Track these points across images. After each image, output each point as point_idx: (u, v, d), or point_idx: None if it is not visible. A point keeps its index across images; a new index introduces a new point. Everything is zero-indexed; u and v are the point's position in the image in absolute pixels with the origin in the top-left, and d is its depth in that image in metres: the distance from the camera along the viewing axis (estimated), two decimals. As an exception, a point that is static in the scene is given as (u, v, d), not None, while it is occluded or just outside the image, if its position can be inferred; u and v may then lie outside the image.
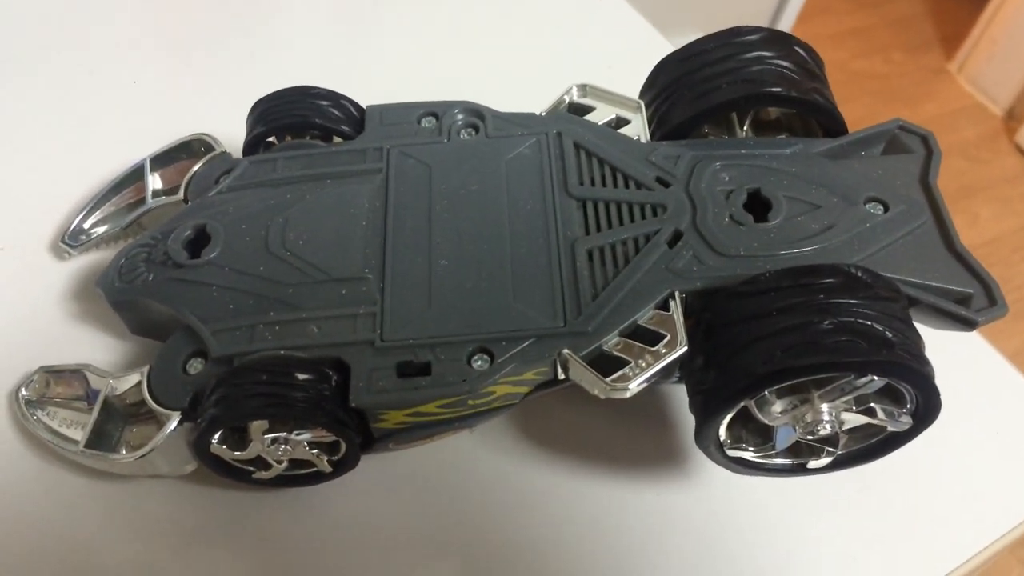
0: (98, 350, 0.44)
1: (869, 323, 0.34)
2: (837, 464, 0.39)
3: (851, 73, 1.68)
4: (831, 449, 0.38)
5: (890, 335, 0.34)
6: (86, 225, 0.46)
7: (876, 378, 0.34)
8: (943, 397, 0.35)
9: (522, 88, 0.54)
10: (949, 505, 0.43)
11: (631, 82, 0.47)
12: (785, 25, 1.46)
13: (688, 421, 0.43)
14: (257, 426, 0.36)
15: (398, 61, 0.62)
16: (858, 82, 1.66)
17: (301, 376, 0.36)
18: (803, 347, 0.33)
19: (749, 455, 0.38)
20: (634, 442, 0.44)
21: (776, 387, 0.35)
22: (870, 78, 1.69)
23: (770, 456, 0.39)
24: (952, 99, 1.67)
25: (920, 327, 0.37)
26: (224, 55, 0.61)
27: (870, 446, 0.38)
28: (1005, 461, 0.45)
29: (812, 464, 0.39)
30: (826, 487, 0.42)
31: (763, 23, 1.47)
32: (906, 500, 0.43)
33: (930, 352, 0.36)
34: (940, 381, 0.35)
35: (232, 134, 0.47)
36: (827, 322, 0.34)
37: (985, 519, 0.43)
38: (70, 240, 0.46)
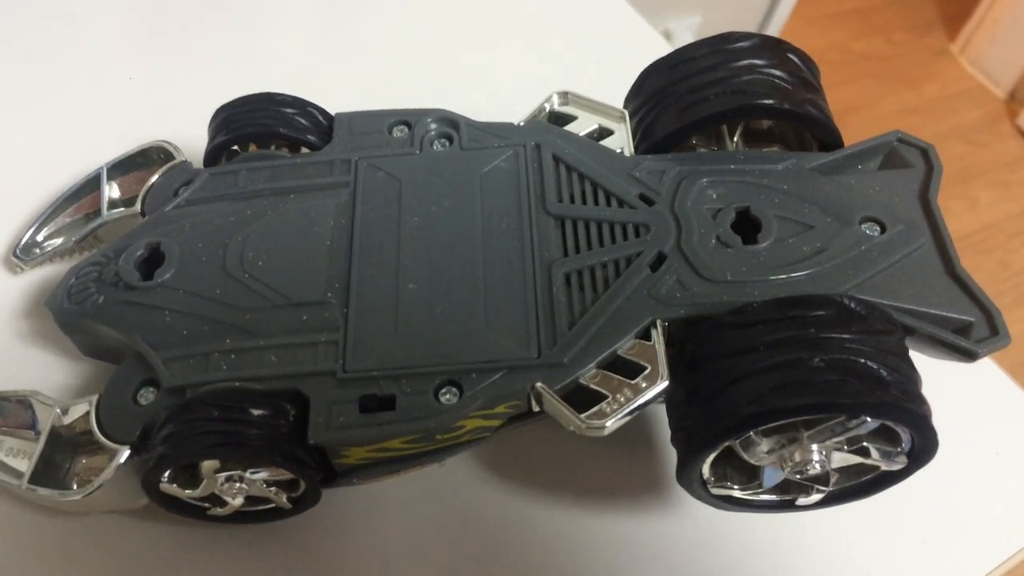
0: (50, 371, 0.42)
1: (863, 360, 0.32)
2: (827, 501, 0.37)
3: (852, 54, 1.65)
4: (821, 487, 0.36)
5: (884, 373, 0.31)
6: (39, 238, 0.44)
7: (869, 419, 0.32)
8: (936, 416, 0.33)
9: (505, 87, 0.52)
10: (946, 532, 0.42)
11: (620, 79, 0.44)
12: (785, 5, 1.43)
13: (672, 446, 0.41)
14: (209, 465, 0.34)
15: (371, 61, 0.59)
16: (858, 63, 1.63)
17: (256, 411, 0.34)
18: (792, 387, 0.31)
19: (735, 493, 0.36)
20: (614, 468, 0.42)
21: (763, 428, 0.33)
22: (871, 59, 1.66)
23: (757, 494, 0.37)
24: (954, 81, 1.64)
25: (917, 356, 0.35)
26: (188, 56, 0.58)
27: (862, 483, 0.36)
28: (1006, 484, 0.43)
29: (801, 501, 0.37)
30: (816, 516, 0.40)
31: (763, 4, 1.44)
32: (900, 528, 0.41)
33: (924, 366, 0.34)
34: (935, 399, 0.34)
35: (196, 140, 0.45)
36: (818, 359, 0.31)
37: (985, 546, 0.42)
38: (22, 254, 0.44)
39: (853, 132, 0.41)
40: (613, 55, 0.52)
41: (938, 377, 0.36)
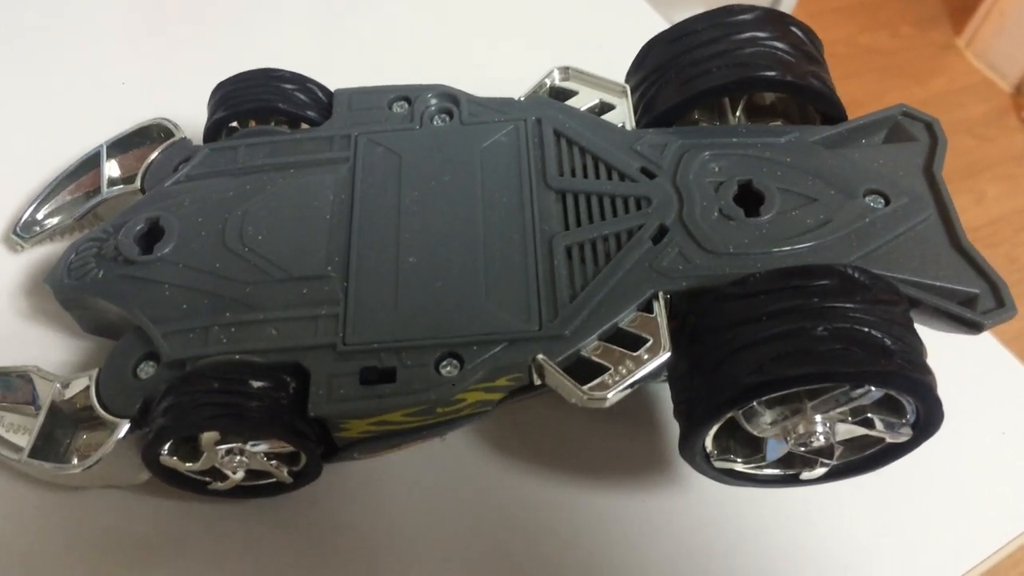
0: (51, 348, 0.42)
1: (866, 329, 0.31)
2: (832, 475, 0.37)
3: (857, 48, 1.64)
4: (825, 460, 0.36)
5: (888, 342, 0.31)
6: (39, 216, 0.44)
7: (873, 389, 0.32)
8: (943, 395, 0.33)
9: (510, 76, 0.51)
10: (951, 510, 0.41)
11: (622, 61, 0.44)
12: (791, -2, 1.42)
13: (675, 423, 0.41)
14: (208, 437, 0.34)
15: (371, 39, 0.59)
16: (864, 57, 1.63)
17: (256, 384, 0.33)
18: (794, 356, 0.31)
19: (738, 466, 0.36)
20: (617, 443, 0.42)
21: (765, 398, 0.32)
22: (877, 53, 1.65)
23: (760, 467, 0.36)
24: (960, 75, 1.63)
25: (922, 329, 0.34)
26: (188, 33, 0.58)
27: (867, 457, 0.36)
28: (1012, 463, 0.43)
29: (805, 475, 0.36)
30: (820, 493, 0.40)
31: (768, -4, 1.43)
32: (905, 505, 0.41)
33: (929, 343, 0.34)
34: (940, 377, 0.33)
35: (196, 118, 0.44)
36: (820, 328, 0.31)
37: (990, 524, 0.41)
38: (22, 232, 0.44)
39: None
40: (621, 45, 0.51)
41: (947, 356, 0.36)
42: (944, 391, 0.33)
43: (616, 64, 0.44)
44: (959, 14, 1.70)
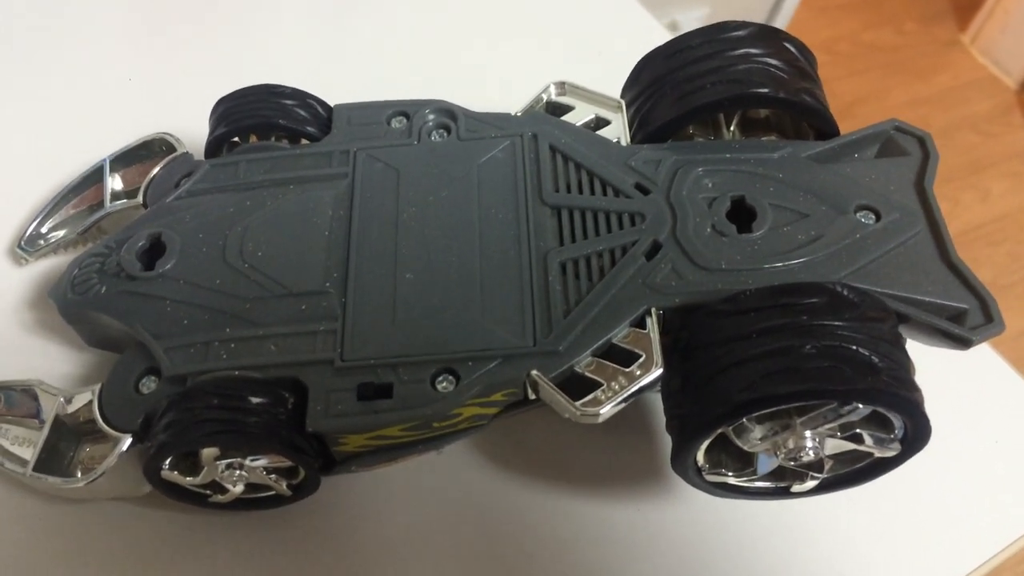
0: (54, 361, 0.42)
1: (854, 347, 0.32)
2: (822, 488, 0.37)
3: (862, 45, 1.64)
4: (816, 474, 0.36)
5: (876, 360, 0.32)
6: (43, 229, 0.45)
7: (861, 406, 0.32)
8: (937, 403, 0.34)
9: (508, 82, 0.52)
10: (948, 517, 0.42)
11: (624, 74, 0.44)
12: (795, -6, 1.42)
13: (667, 434, 0.41)
14: (208, 452, 0.34)
15: (372, 59, 0.59)
16: (869, 54, 1.62)
17: (255, 399, 0.34)
18: (783, 373, 0.31)
19: (730, 479, 0.37)
20: (611, 455, 0.42)
21: (755, 414, 0.33)
22: (881, 50, 1.64)
23: (752, 480, 0.37)
24: (965, 71, 1.63)
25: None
26: (190, 48, 0.59)
27: (857, 470, 0.37)
28: (1006, 471, 0.43)
29: (796, 488, 0.37)
30: (814, 503, 0.41)
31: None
32: (901, 513, 0.42)
33: (923, 354, 0.34)
34: (937, 387, 0.34)
35: (198, 132, 0.45)
36: (809, 346, 0.32)
37: (985, 531, 0.42)
38: (26, 245, 0.44)
39: (863, 123, 0.41)
40: (617, 50, 0.52)
41: (941, 365, 0.36)
42: (937, 399, 0.34)
43: (618, 74, 0.45)
44: (964, 10, 1.70)
